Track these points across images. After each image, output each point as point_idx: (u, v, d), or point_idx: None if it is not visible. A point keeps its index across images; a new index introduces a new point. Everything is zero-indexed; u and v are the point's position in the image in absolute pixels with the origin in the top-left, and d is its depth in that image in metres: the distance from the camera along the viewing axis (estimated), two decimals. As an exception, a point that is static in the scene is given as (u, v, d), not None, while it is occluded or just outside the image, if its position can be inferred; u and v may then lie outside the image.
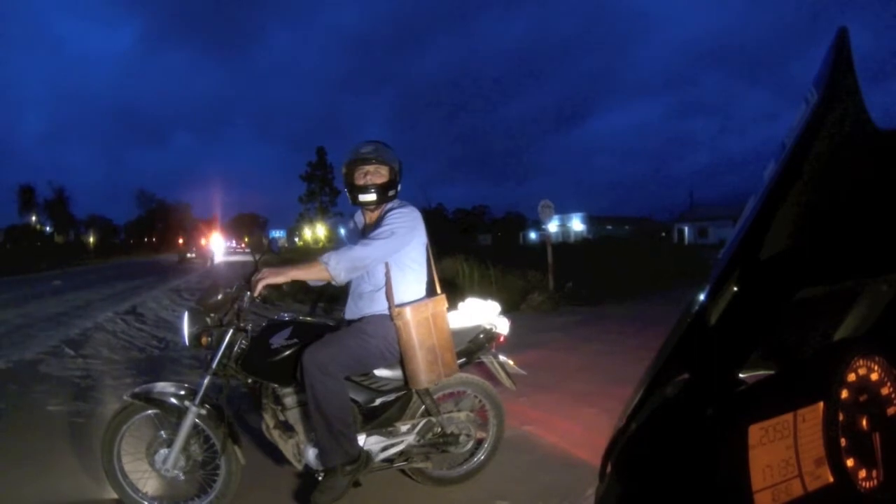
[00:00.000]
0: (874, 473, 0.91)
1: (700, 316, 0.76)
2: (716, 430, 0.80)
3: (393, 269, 3.28)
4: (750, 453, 0.82)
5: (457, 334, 3.49)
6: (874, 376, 0.97)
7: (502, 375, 3.78)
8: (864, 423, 0.92)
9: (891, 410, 0.96)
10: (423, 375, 3.21)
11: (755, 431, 0.83)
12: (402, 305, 3.24)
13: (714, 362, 0.79)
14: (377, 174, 3.33)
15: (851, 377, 0.94)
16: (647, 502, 0.83)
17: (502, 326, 3.71)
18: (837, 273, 0.87)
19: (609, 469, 0.83)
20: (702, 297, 0.76)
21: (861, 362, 0.96)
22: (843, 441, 0.90)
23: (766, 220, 0.76)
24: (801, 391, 0.90)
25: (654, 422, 0.79)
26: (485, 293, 12.72)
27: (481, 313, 3.69)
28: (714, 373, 0.80)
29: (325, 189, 68.09)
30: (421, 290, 3.44)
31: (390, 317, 3.23)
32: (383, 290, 3.29)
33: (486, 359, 3.72)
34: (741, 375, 0.85)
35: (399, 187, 3.44)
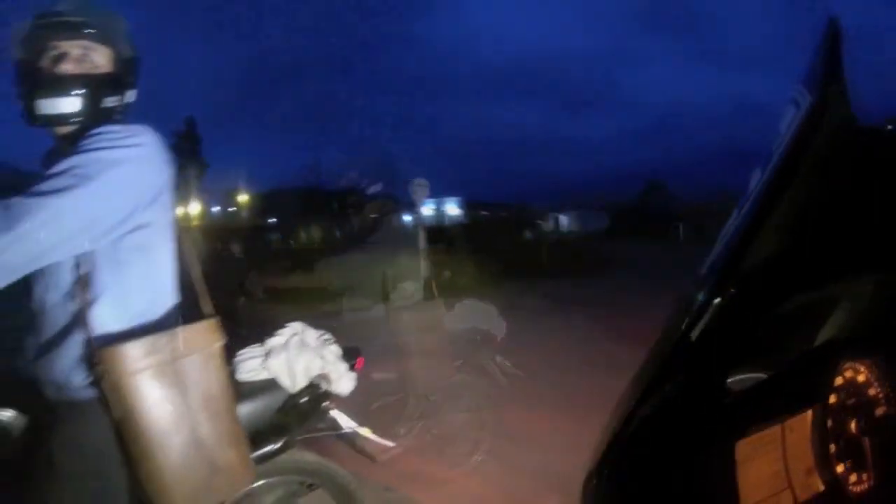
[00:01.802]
0: (864, 477, 0.92)
1: (686, 326, 0.74)
2: (702, 447, 0.79)
3: (99, 264, 1.52)
4: (738, 469, 0.81)
5: (249, 396, 1.94)
6: (861, 378, 0.98)
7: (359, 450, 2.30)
8: (854, 426, 0.92)
9: (879, 411, 0.97)
10: (179, 498, 1.54)
11: (742, 447, 0.82)
12: (111, 341, 1.49)
13: (700, 373, 0.78)
14: (84, 63, 1.56)
15: (839, 381, 0.94)
16: None
17: (342, 381, 2.13)
18: (824, 278, 0.87)
19: (594, 485, 0.79)
20: (688, 306, 0.75)
21: (848, 365, 0.97)
22: (832, 447, 0.90)
23: (754, 230, 0.75)
24: (789, 399, 0.89)
25: (640, 439, 0.76)
26: (347, 285, 11.57)
27: (303, 356, 2.07)
28: (700, 383, 0.79)
29: (193, 163, 63.57)
30: (163, 309, 1.65)
31: (91, 370, 1.48)
32: (77, 306, 1.53)
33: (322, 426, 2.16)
34: (728, 390, 0.82)
35: (130, 97, 1.68)
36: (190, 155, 64.06)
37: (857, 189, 0.84)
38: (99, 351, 1.45)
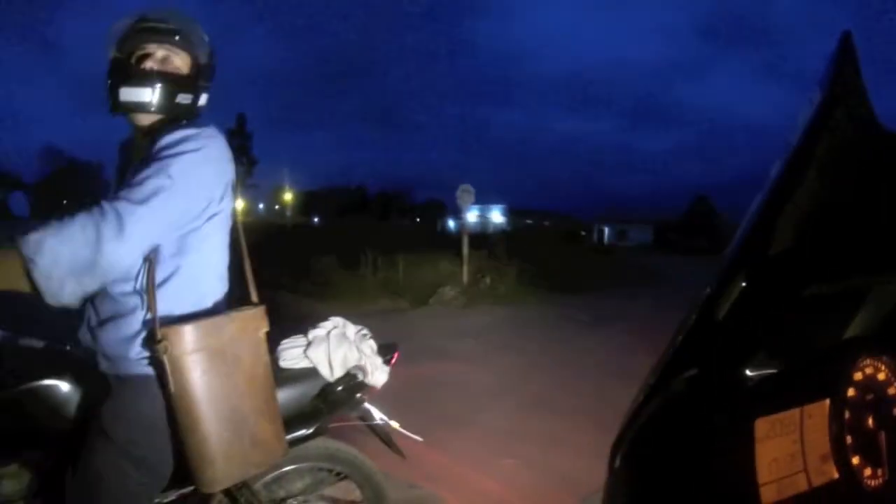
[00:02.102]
0: (879, 472, 0.92)
1: (708, 311, 0.77)
2: (723, 423, 0.82)
3: (166, 251, 1.68)
4: (756, 447, 0.83)
5: (289, 382, 2.03)
6: (881, 376, 0.98)
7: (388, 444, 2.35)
8: (871, 421, 0.93)
9: None
10: (220, 467, 1.68)
11: (762, 425, 0.83)
12: (173, 322, 1.64)
13: (722, 357, 0.81)
14: (166, 65, 1.75)
15: (858, 376, 0.95)
16: (655, 493, 0.84)
17: (377, 373, 2.20)
18: (843, 271, 0.88)
19: (618, 461, 0.83)
20: (709, 292, 0.78)
21: (868, 362, 0.97)
22: (848, 439, 0.91)
23: (772, 216, 0.78)
24: (808, 388, 0.90)
25: (663, 414, 0.79)
26: (389, 287, 11.66)
27: (342, 347, 2.13)
28: (722, 368, 0.81)
29: (243, 159, 64.30)
30: (217, 295, 1.84)
31: (153, 345, 1.60)
32: (142, 291, 1.67)
33: (354, 416, 2.25)
34: (749, 373, 0.84)
35: (203, 99, 1.84)
36: (240, 151, 64.83)
37: (882, 186, 0.86)
38: (163, 329, 1.59)
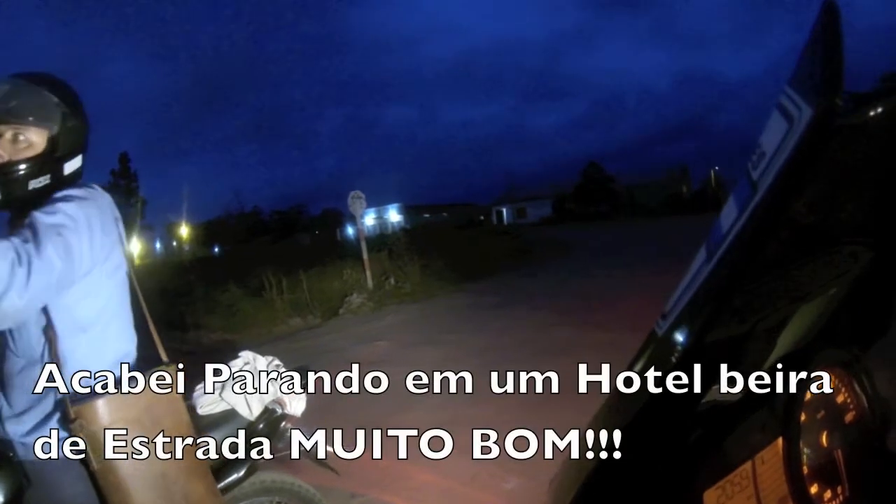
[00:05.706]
0: (839, 490, 0.89)
1: (649, 372, 0.67)
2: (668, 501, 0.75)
3: (61, 322, 1.59)
4: None
5: (211, 428, 2.01)
6: (830, 386, 0.95)
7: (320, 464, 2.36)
8: (825, 439, 0.90)
9: (848, 417, 0.95)
10: None
11: (710, 495, 0.78)
12: (85, 398, 1.58)
13: (664, 419, 0.72)
14: (18, 144, 1.60)
15: (807, 396, 0.91)
16: None
17: (294, 402, 2.24)
18: (795, 295, 0.83)
19: None
20: (654, 351, 0.68)
21: (816, 376, 0.92)
22: (805, 469, 0.87)
23: (739, 273, 0.64)
24: (759, 434, 0.85)
25: (604, 493, 0.72)
26: (297, 305, 11.55)
27: (256, 384, 2.16)
28: (664, 431, 0.75)
29: (132, 200, 60.91)
30: (127, 359, 1.75)
31: (67, 424, 1.55)
32: (47, 366, 1.59)
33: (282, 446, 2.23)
34: (692, 437, 0.81)
35: (77, 164, 1.72)
36: (128, 193, 61.27)
37: (832, 188, 0.76)
38: (75, 407, 1.52)
